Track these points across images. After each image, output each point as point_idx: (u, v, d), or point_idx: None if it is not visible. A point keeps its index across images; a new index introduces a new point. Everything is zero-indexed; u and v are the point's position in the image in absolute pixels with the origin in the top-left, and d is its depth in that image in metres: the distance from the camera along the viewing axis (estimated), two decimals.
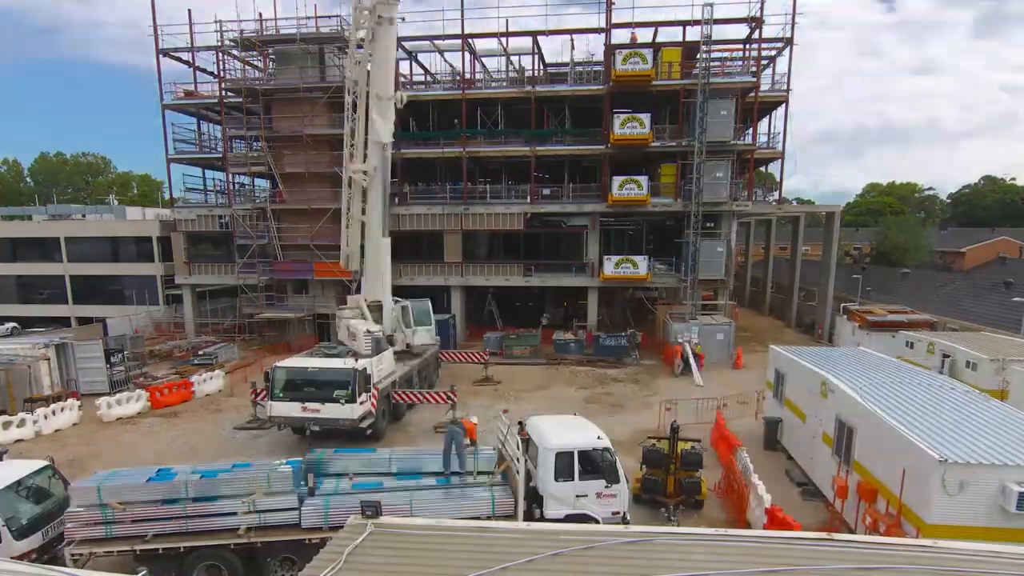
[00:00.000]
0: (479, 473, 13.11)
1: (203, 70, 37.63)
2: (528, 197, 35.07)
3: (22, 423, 20.52)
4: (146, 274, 40.54)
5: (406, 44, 34.73)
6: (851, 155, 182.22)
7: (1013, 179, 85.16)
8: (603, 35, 32.69)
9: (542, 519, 12.24)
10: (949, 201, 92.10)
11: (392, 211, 35.47)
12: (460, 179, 35.00)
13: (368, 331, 21.61)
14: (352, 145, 24.00)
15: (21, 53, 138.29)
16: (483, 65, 39.73)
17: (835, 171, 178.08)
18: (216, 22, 34.31)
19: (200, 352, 31.53)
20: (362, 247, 25.37)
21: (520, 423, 14.50)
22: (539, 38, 34.65)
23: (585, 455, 12.90)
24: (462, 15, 32.95)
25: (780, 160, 37.97)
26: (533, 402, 23.83)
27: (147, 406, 23.86)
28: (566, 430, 13.76)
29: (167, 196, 38.13)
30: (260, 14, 34.31)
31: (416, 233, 35.59)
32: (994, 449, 10.86)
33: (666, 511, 14.42)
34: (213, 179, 42.03)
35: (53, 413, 21.43)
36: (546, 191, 36.20)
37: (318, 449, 14.14)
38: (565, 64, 37.07)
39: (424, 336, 26.14)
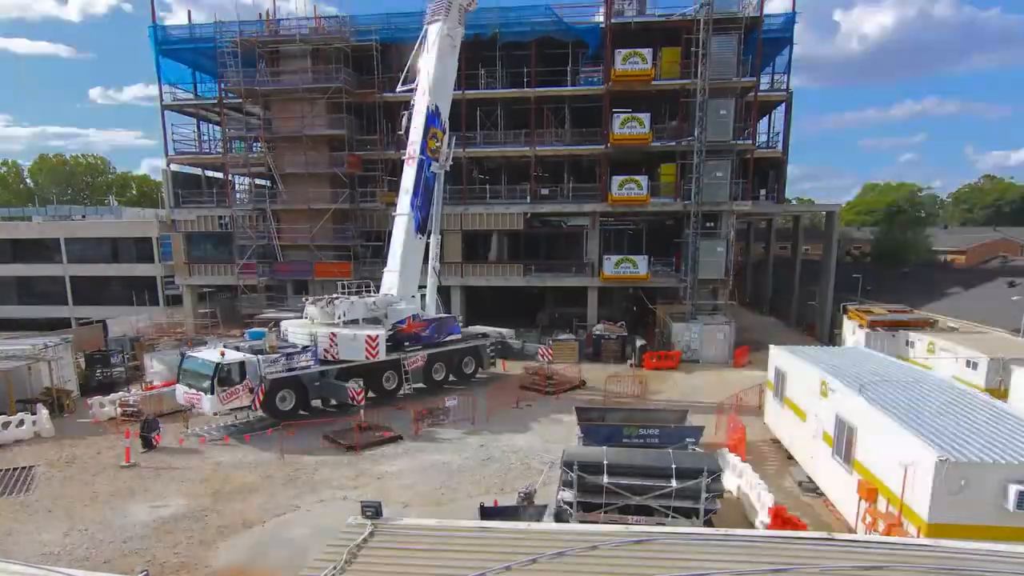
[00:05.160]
0: None
1: (204, 70, 37.66)
2: (528, 197, 35.03)
3: (20, 423, 20.51)
4: (146, 275, 40.53)
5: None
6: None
7: (1012, 179, 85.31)
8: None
9: None
10: (949, 200, 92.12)
11: (392, 211, 35.60)
12: (460, 179, 35.00)
13: None
14: None
15: None
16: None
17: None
18: (216, 22, 34.32)
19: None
20: None
21: None
22: None
23: None
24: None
25: (781, 160, 37.97)
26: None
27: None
28: None
29: (167, 199, 37.94)
30: (260, 15, 34.32)
31: None
32: (994, 448, 10.86)
33: None
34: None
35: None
36: (546, 191, 36.17)
37: None
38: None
39: None
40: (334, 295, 24.70)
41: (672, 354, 29.90)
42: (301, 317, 25.12)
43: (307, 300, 24.77)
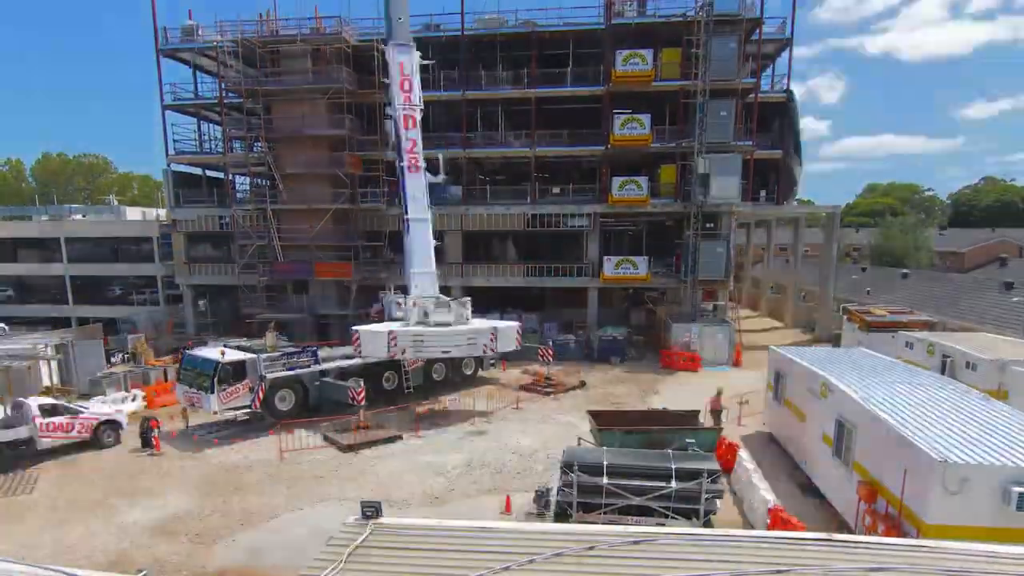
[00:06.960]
0: None
1: (204, 70, 37.62)
2: (528, 198, 35.03)
3: None
4: (146, 274, 40.51)
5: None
6: None
7: (1013, 180, 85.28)
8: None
9: None
10: (949, 202, 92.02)
11: (392, 212, 35.59)
12: (460, 180, 34.97)
13: None
14: None
15: None
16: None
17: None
18: (217, 23, 34.35)
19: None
20: None
21: None
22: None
23: None
24: (462, 13, 33.05)
25: (780, 160, 37.91)
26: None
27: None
28: None
29: (167, 199, 37.92)
30: (261, 15, 34.30)
31: None
32: (994, 449, 10.85)
33: None
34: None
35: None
36: (546, 192, 36.14)
37: None
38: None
39: None
40: (452, 297, 25.53)
41: (686, 355, 29.77)
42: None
43: (412, 302, 24.08)
